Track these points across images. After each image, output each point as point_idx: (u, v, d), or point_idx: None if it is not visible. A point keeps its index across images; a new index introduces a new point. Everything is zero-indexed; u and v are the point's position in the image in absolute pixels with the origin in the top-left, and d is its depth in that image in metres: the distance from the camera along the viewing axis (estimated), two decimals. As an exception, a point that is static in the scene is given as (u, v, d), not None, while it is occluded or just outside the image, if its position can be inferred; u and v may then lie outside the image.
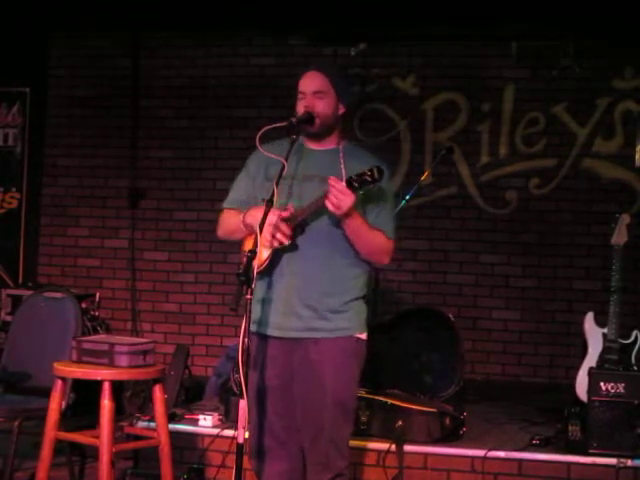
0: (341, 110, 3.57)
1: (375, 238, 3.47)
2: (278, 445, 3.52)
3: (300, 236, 3.44)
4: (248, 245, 3.39)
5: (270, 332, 3.49)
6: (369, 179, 3.26)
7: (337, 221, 3.41)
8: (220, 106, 7.20)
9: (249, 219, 3.46)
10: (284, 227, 3.37)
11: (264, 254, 3.40)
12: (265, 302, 3.49)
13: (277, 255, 3.46)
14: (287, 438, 3.52)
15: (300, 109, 3.50)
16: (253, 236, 3.36)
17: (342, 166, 3.48)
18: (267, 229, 3.32)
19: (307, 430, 3.49)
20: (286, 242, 3.38)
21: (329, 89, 3.52)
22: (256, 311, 3.44)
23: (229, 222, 3.63)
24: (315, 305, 3.46)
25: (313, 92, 3.51)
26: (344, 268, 3.49)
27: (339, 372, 3.47)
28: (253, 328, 3.37)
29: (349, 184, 3.28)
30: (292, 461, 3.54)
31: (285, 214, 3.37)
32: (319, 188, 3.41)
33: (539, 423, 5.23)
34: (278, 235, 3.36)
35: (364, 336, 3.58)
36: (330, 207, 3.31)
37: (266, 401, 3.48)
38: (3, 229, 7.42)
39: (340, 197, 3.28)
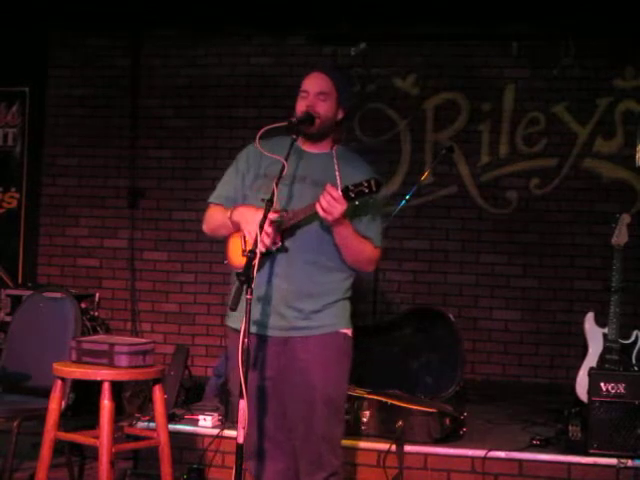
0: (340, 115, 3.55)
1: (363, 247, 3.45)
2: (273, 445, 3.49)
3: (289, 238, 3.41)
4: (234, 248, 3.38)
5: (255, 331, 3.39)
6: (366, 190, 3.22)
7: (327, 226, 3.37)
8: (220, 106, 7.19)
9: (237, 217, 3.43)
10: (270, 231, 3.32)
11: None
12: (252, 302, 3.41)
13: (265, 256, 3.39)
14: (282, 438, 3.49)
15: (301, 107, 3.48)
16: (239, 237, 3.37)
17: (337, 172, 3.46)
18: (254, 232, 3.22)
19: (298, 430, 3.46)
20: (270, 246, 3.34)
21: (332, 92, 3.51)
22: (241, 310, 3.29)
23: (215, 218, 3.61)
24: (298, 306, 3.44)
25: (317, 92, 3.49)
26: (329, 272, 3.47)
27: (328, 370, 3.45)
28: (237, 326, 3.24)
29: (345, 193, 3.23)
30: (288, 460, 3.51)
31: (273, 217, 3.31)
32: (312, 191, 3.39)
33: (539, 423, 5.23)
34: (264, 239, 3.28)
35: (350, 332, 3.55)
36: (320, 212, 3.27)
37: (257, 401, 3.44)
38: (2, 229, 7.41)
39: (332, 204, 3.24)
